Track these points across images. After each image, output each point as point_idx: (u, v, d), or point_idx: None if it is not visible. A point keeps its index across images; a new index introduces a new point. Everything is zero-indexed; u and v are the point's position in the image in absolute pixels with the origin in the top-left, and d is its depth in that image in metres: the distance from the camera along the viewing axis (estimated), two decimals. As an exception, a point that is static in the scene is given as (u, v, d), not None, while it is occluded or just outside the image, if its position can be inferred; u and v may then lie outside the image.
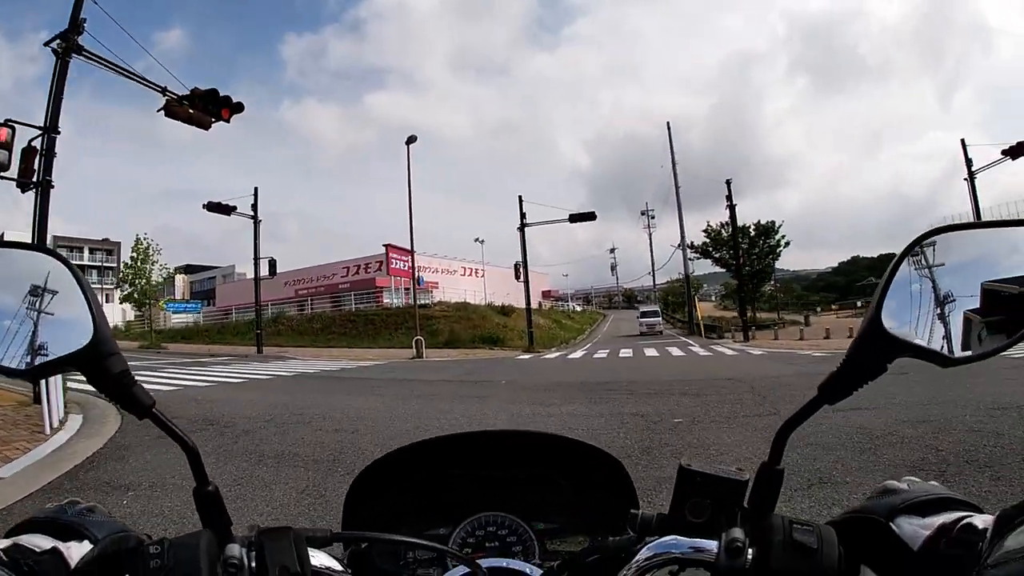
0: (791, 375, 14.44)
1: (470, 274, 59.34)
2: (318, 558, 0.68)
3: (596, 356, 27.19)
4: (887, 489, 0.68)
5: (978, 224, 0.65)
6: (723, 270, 55.36)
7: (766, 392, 10.86)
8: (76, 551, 0.61)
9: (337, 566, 0.69)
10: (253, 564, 0.62)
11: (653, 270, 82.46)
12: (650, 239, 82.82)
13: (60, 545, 0.61)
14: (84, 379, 0.61)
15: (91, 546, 0.62)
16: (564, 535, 1.01)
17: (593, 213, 35.91)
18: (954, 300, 0.62)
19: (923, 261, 0.63)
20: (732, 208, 39.90)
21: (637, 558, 0.66)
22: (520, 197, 37.27)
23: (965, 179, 26.76)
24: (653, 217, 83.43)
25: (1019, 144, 23.16)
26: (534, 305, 41.33)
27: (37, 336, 0.63)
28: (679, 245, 50.10)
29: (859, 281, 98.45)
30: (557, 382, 15.16)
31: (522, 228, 37.06)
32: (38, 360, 0.63)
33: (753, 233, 52.12)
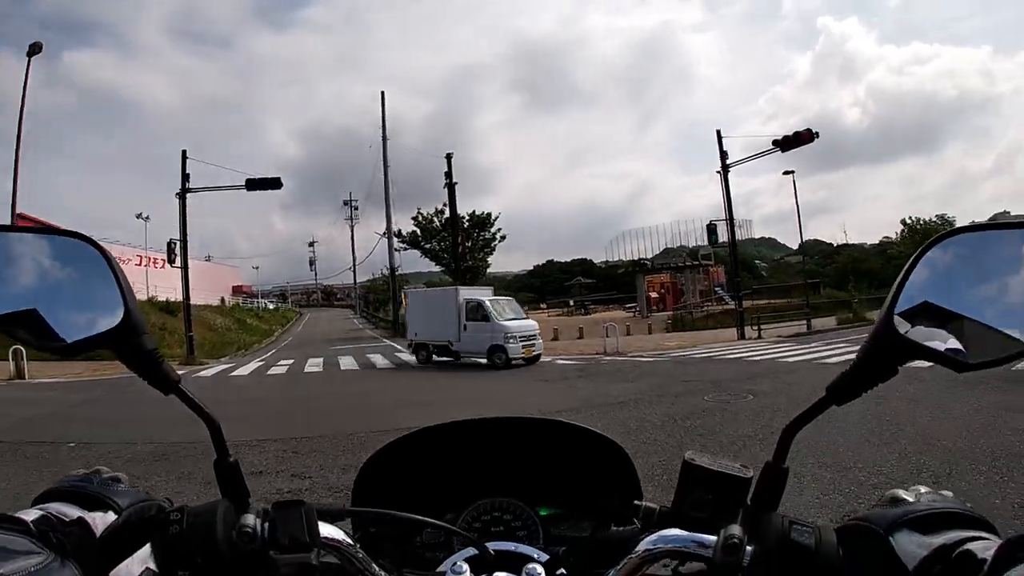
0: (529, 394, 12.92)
1: (151, 264, 47.75)
2: (329, 531, 0.69)
3: (272, 371, 20.66)
4: (894, 498, 0.67)
5: (995, 225, 0.63)
6: (436, 267, 50.87)
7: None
8: (101, 521, 0.64)
9: (347, 539, 0.71)
10: (266, 533, 0.65)
11: (354, 264, 77.50)
12: (351, 231, 77.00)
13: (86, 515, 0.63)
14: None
15: (115, 516, 0.65)
16: (568, 521, 1.01)
17: (278, 180, 28.81)
18: (970, 303, 0.61)
19: (938, 263, 0.62)
20: (451, 187, 35.18)
21: (638, 549, 0.68)
22: (184, 152, 28.54)
23: (718, 172, 27.99)
24: (356, 208, 77.64)
25: (785, 138, 25.52)
26: (211, 301, 33.02)
27: (73, 316, 0.67)
28: (384, 233, 44.30)
29: (553, 283, 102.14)
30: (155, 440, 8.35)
31: (183, 194, 28.52)
32: (74, 338, 0.65)
33: (467, 224, 48.44)
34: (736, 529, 0.63)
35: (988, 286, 0.62)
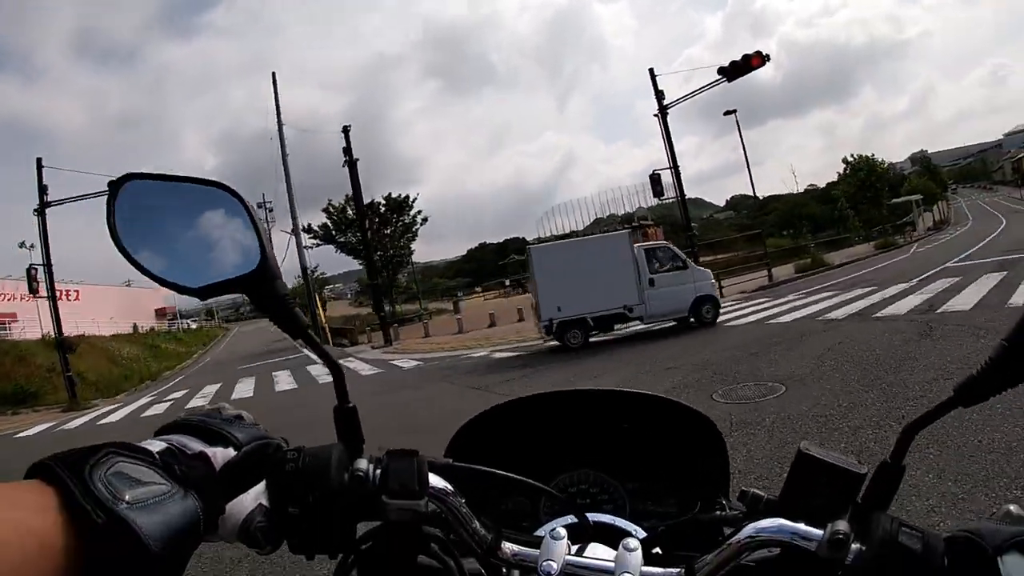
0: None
1: (63, 296, 42.62)
2: (436, 482, 0.71)
3: (152, 411, 16.86)
4: (1009, 514, 0.63)
5: None
6: (356, 263, 46.77)
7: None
8: (221, 455, 0.65)
9: (452, 490, 0.72)
10: (377, 479, 0.67)
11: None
12: (268, 234, 71.37)
13: (207, 449, 0.64)
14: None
15: (234, 452, 0.66)
16: (655, 496, 1.00)
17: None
18: None
19: None
20: (352, 164, 30.67)
21: (739, 535, 0.67)
22: (39, 161, 24.39)
23: (655, 115, 24.67)
24: (271, 210, 72.40)
25: (733, 63, 22.14)
26: (118, 329, 28.39)
27: (212, 262, 0.71)
28: (292, 231, 39.60)
29: (488, 266, 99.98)
30: None
31: (41, 210, 24.12)
32: (210, 280, 0.69)
33: (384, 209, 44.38)
34: (844, 525, 0.62)
35: None
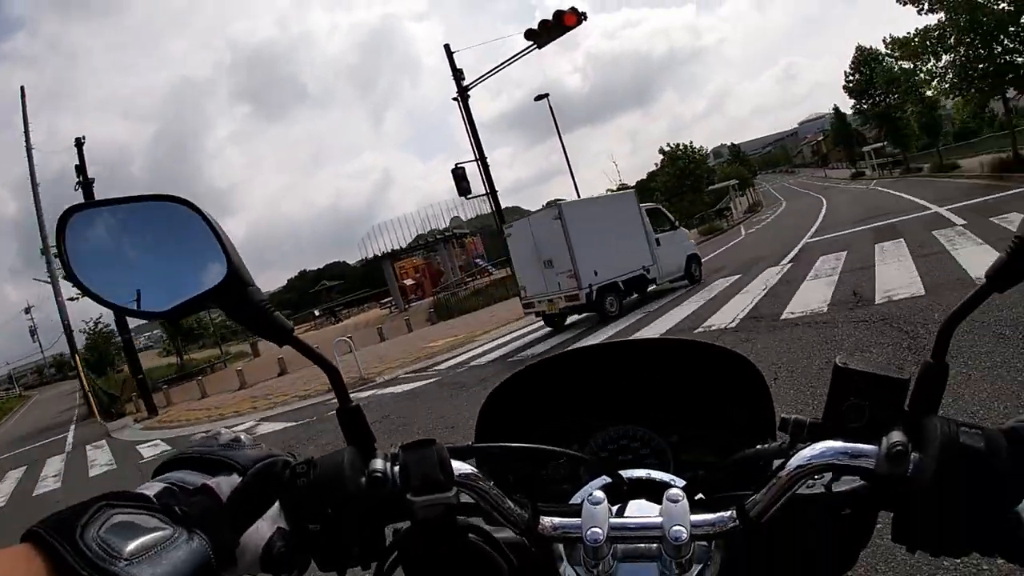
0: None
1: None
2: (460, 468, 0.67)
3: None
4: None
5: None
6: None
7: None
8: (226, 484, 0.62)
9: (480, 475, 0.69)
10: (397, 477, 0.63)
11: (67, 328, 60.56)
12: (55, 287, 61.61)
13: (210, 480, 0.62)
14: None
15: (239, 478, 0.64)
16: (699, 445, 0.95)
17: None
18: None
19: None
20: (86, 185, 23.95)
21: (788, 466, 0.63)
22: None
23: (454, 98, 20.27)
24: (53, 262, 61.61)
25: (543, 24, 17.77)
26: None
27: (175, 279, 0.66)
28: (50, 277, 31.47)
29: (309, 294, 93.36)
30: None
31: None
32: (177, 301, 0.65)
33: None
34: (899, 435, 0.59)
35: None
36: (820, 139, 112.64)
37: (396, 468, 0.64)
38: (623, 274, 13.76)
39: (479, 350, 14.23)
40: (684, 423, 0.96)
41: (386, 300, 49.95)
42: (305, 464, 0.64)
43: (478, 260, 45.73)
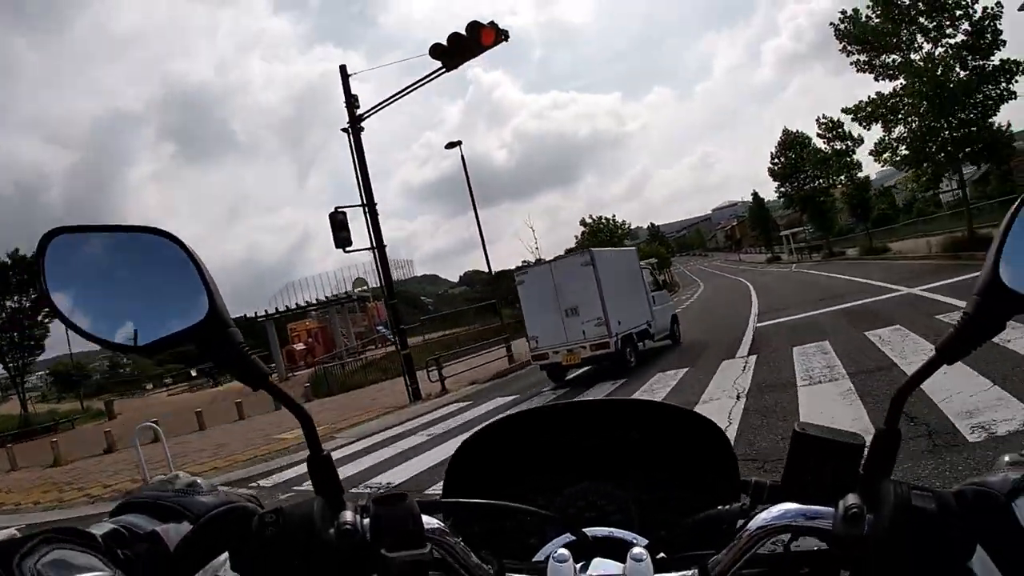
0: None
1: None
2: (429, 523, 0.67)
3: None
4: (1012, 462, 0.65)
5: None
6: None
7: None
8: (175, 532, 0.62)
9: (448, 531, 0.69)
10: (367, 530, 0.63)
11: None
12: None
13: (160, 528, 0.62)
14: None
15: (190, 526, 0.64)
16: (663, 504, 0.96)
17: None
18: None
19: None
20: None
21: (748, 527, 0.65)
22: None
23: (344, 129, 17.05)
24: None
25: (453, 38, 14.42)
26: None
27: (156, 315, 0.65)
28: None
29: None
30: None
31: None
32: (154, 336, 0.64)
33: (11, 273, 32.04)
34: (855, 498, 0.60)
35: None
36: (734, 224, 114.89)
37: (366, 521, 0.63)
38: (635, 326, 13.34)
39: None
40: (649, 482, 0.96)
41: (273, 365, 44.55)
42: (273, 513, 0.63)
43: (380, 327, 41.44)
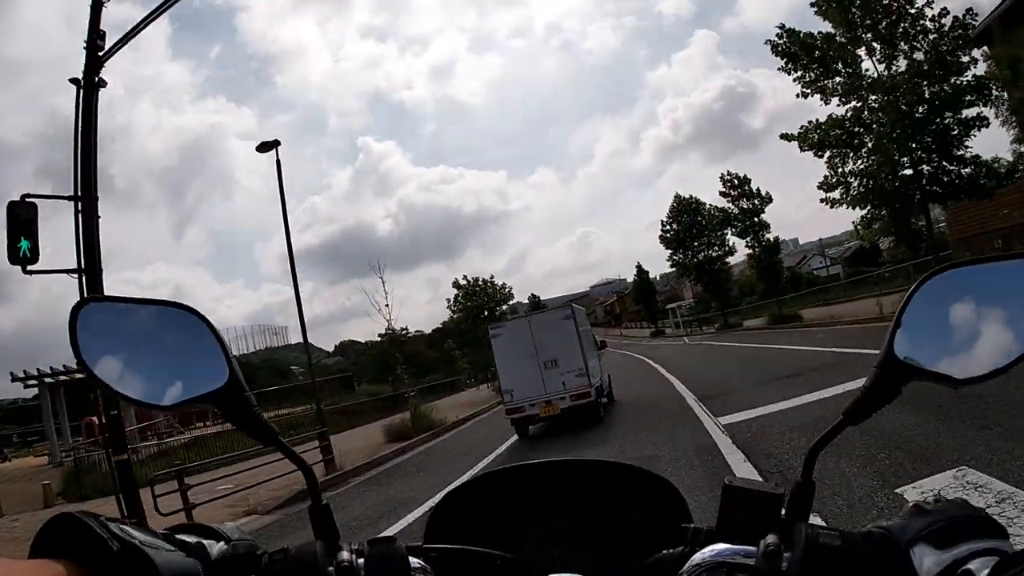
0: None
1: None
2: (414, 563, 0.77)
3: None
4: (916, 508, 0.71)
5: (979, 260, 0.71)
6: None
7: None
8: (215, 548, 0.69)
9: (429, 570, 0.80)
10: (362, 569, 0.71)
11: None
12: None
13: (204, 541, 0.69)
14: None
15: (227, 545, 0.70)
16: (619, 551, 1.03)
17: None
18: (961, 327, 0.69)
19: (933, 294, 0.71)
20: None
21: (687, 567, 0.75)
22: None
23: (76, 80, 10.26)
24: None
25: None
26: None
27: (182, 377, 0.74)
28: None
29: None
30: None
31: None
32: (182, 397, 0.74)
33: None
34: (773, 538, 0.69)
35: (973, 311, 0.69)
36: (613, 299, 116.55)
37: (361, 560, 0.71)
38: (599, 379, 13.79)
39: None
40: (606, 532, 1.05)
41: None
42: (281, 552, 0.72)
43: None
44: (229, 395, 0.73)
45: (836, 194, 19.41)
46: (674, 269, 46.64)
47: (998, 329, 0.69)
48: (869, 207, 19.37)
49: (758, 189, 34.08)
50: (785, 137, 20.26)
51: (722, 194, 35.15)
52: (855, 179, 18.88)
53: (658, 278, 68.12)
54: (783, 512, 0.74)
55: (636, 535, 1.02)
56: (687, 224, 42.51)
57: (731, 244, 40.94)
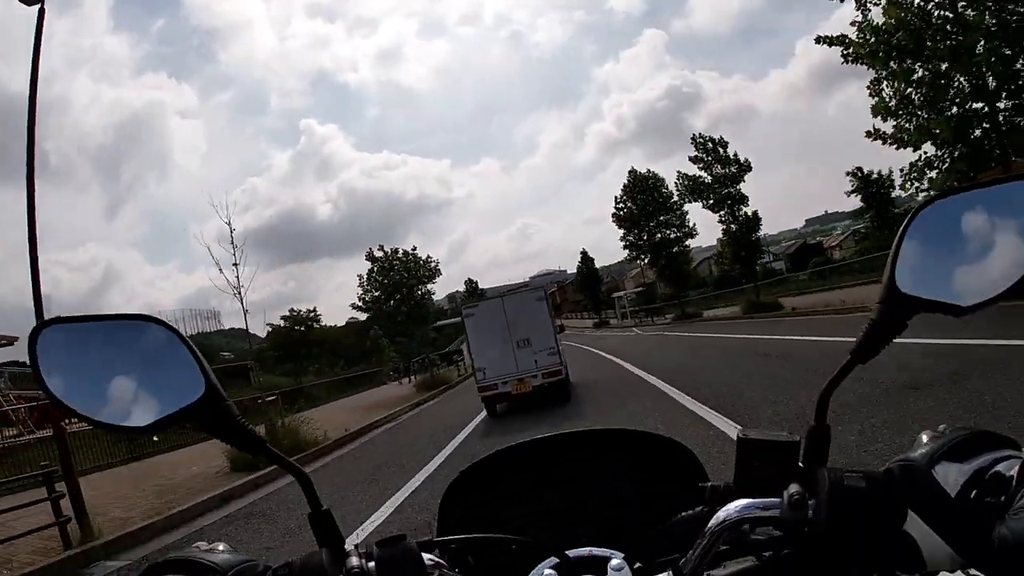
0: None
1: None
2: (428, 558, 0.74)
3: None
4: (930, 436, 0.72)
5: (966, 187, 0.71)
6: None
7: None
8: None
9: (444, 564, 0.77)
10: (373, 572, 0.68)
11: None
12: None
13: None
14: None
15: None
16: (637, 519, 1.00)
17: None
18: (957, 255, 0.69)
19: (928, 225, 0.70)
20: None
21: (710, 525, 0.73)
22: None
23: None
24: None
25: None
26: None
27: (154, 395, 0.69)
28: None
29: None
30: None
31: None
32: (157, 416, 0.68)
33: None
34: (796, 487, 0.69)
35: (969, 239, 0.69)
36: (554, 289, 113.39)
37: (371, 564, 0.68)
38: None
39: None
40: (623, 500, 1.03)
41: None
42: (285, 567, 0.70)
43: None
44: (208, 407, 0.68)
45: (892, 125, 14.62)
46: (627, 251, 41.62)
47: (995, 254, 0.68)
48: (946, 145, 14.36)
49: (735, 154, 29.60)
50: (824, 41, 15.13)
51: (692, 159, 30.53)
52: (922, 101, 14.15)
53: (600, 269, 64.02)
54: (800, 460, 0.73)
55: (653, 500, 1.00)
56: (643, 203, 38.46)
57: (691, 224, 37.36)
